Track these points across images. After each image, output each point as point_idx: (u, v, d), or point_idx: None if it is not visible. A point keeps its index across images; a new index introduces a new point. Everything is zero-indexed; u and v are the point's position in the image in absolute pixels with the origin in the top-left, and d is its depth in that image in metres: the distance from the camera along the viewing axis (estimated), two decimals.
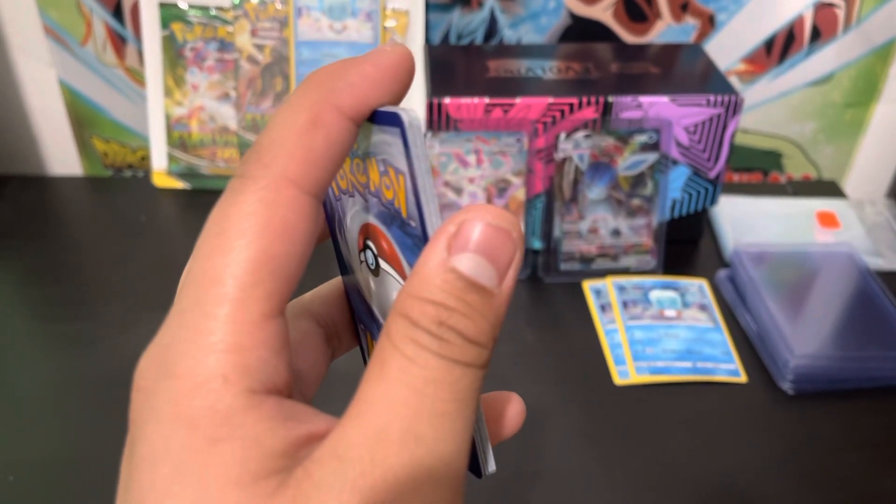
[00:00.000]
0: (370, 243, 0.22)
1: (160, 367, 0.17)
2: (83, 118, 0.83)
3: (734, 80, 0.81)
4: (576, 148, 0.68)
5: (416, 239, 0.20)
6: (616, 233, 0.71)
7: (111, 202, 0.82)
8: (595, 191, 0.70)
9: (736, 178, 0.89)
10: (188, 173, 0.81)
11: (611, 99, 0.66)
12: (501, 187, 0.69)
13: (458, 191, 0.69)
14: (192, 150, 0.80)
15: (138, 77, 0.81)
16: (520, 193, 0.70)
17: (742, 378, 0.62)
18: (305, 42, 0.76)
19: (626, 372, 0.62)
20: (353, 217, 0.23)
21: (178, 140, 0.80)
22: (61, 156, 0.85)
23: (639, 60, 0.73)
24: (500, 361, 0.63)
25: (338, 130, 0.18)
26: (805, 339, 0.62)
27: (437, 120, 0.66)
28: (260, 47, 0.77)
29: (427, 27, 0.77)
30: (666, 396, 0.61)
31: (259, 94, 0.78)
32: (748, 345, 0.65)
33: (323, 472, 0.16)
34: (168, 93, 0.79)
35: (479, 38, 0.79)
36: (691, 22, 0.78)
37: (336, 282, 0.26)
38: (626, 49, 0.76)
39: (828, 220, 0.79)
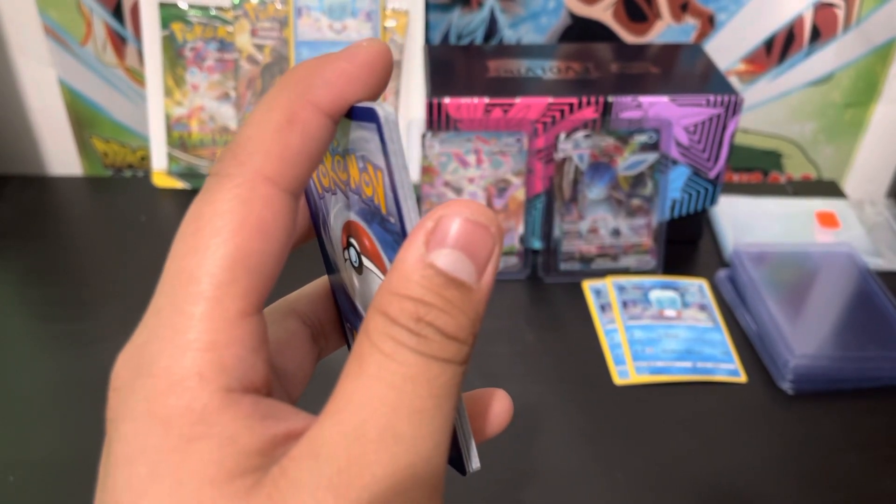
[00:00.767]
0: (353, 241, 0.22)
1: (136, 367, 0.17)
2: (83, 118, 0.83)
3: (734, 80, 0.81)
4: (576, 148, 0.68)
5: (396, 235, 0.19)
6: (616, 233, 0.71)
7: (111, 202, 0.82)
8: (595, 191, 0.70)
9: (736, 178, 0.89)
10: (188, 173, 0.81)
11: (611, 99, 0.66)
12: (501, 187, 0.69)
13: (458, 191, 0.69)
14: (192, 150, 0.80)
15: (138, 77, 0.81)
16: (520, 193, 0.70)
17: (742, 378, 0.62)
18: (305, 42, 0.76)
19: (625, 372, 0.62)
20: (336, 215, 0.23)
21: (178, 140, 0.80)
22: (61, 156, 0.85)
23: (639, 60, 0.73)
24: (500, 361, 0.63)
25: (314, 127, 0.18)
26: (805, 339, 0.62)
27: (437, 120, 0.66)
28: (260, 47, 0.77)
29: (427, 27, 0.77)
30: (666, 396, 0.61)
31: (259, 94, 0.78)
32: (748, 345, 0.65)
33: (299, 470, 0.16)
34: (168, 93, 0.79)
35: (479, 38, 0.79)
36: (691, 22, 0.78)
37: (322, 281, 0.26)
38: (626, 49, 0.76)
39: (828, 220, 0.79)
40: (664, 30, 0.79)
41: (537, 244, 0.73)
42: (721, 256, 0.75)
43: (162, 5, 0.76)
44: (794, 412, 0.60)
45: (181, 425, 0.16)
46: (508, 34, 0.79)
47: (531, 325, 0.67)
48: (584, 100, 0.66)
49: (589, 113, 0.67)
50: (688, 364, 0.63)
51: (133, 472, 0.16)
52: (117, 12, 0.77)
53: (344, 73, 0.18)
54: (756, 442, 0.57)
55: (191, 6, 0.76)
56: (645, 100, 0.67)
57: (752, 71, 0.81)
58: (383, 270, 0.21)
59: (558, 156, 0.68)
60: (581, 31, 0.78)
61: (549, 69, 0.71)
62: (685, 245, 0.76)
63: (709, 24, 0.78)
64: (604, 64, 0.72)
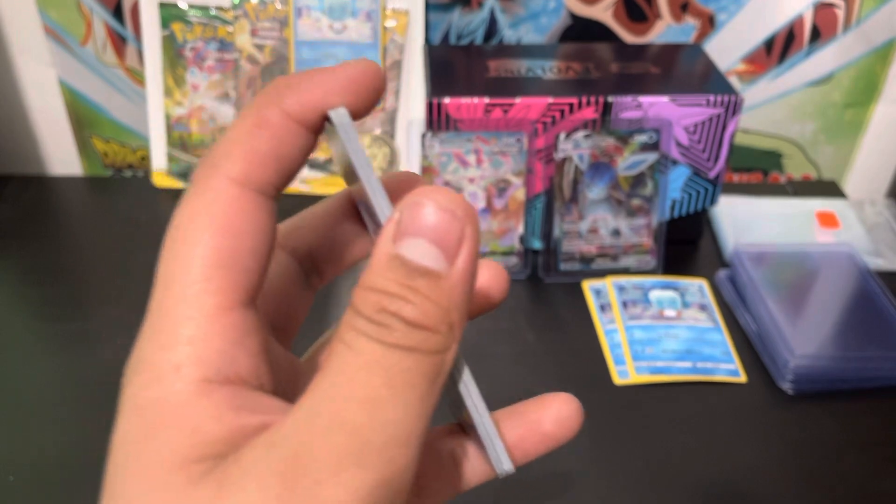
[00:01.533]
0: None
1: (132, 366, 0.18)
2: (83, 118, 0.83)
3: (734, 80, 0.81)
4: (576, 148, 0.68)
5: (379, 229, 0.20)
6: (616, 233, 0.71)
7: (111, 202, 0.82)
8: (595, 191, 0.70)
9: (736, 178, 0.89)
10: (188, 173, 0.81)
11: (611, 99, 0.66)
12: (501, 187, 0.69)
13: (458, 191, 0.69)
14: (193, 150, 0.80)
15: (138, 77, 0.81)
16: (520, 193, 0.70)
17: (742, 378, 0.62)
18: (305, 42, 0.76)
19: (625, 372, 0.62)
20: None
21: (178, 140, 0.80)
22: (61, 156, 0.85)
23: (639, 60, 0.73)
24: (500, 361, 0.63)
25: (283, 133, 0.19)
26: (805, 339, 0.62)
27: (437, 120, 0.66)
28: (260, 47, 0.77)
29: (427, 27, 0.77)
30: (666, 396, 0.61)
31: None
32: (748, 345, 0.65)
33: (253, 458, 0.17)
34: (168, 93, 0.79)
35: (479, 38, 0.79)
36: (691, 22, 0.78)
37: (313, 211, 0.24)
38: (626, 49, 0.76)
39: (828, 220, 0.79)
40: (664, 30, 0.79)
41: (537, 244, 0.73)
42: (721, 256, 0.75)
43: (162, 5, 0.76)
44: (794, 412, 0.60)
45: (153, 415, 0.17)
46: (508, 34, 0.79)
47: (531, 326, 0.67)
48: (584, 100, 0.66)
49: (589, 113, 0.67)
50: (688, 364, 0.63)
51: (113, 461, 0.18)
52: (117, 12, 0.77)
53: (320, 85, 0.19)
54: (756, 442, 0.57)
55: (191, 6, 0.76)
56: (645, 100, 0.67)
57: (752, 71, 0.81)
58: None
59: (558, 156, 0.68)
60: (581, 31, 0.78)
61: (549, 69, 0.71)
62: (685, 245, 0.76)
63: (709, 24, 0.78)
64: (604, 64, 0.72)
